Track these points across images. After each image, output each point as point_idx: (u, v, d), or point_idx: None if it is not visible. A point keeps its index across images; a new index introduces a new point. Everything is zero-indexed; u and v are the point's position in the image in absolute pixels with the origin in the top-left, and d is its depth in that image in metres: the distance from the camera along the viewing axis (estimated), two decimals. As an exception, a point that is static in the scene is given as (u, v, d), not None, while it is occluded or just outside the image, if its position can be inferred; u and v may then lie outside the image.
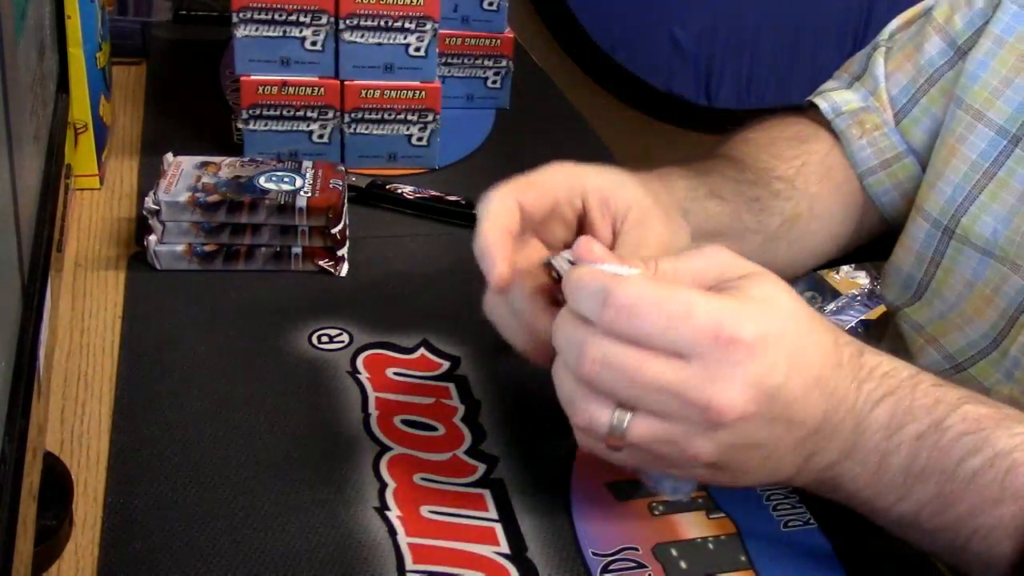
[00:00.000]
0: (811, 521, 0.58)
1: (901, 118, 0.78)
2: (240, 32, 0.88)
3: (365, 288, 0.77)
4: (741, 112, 2.21)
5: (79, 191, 0.86)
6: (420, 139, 0.95)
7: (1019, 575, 0.48)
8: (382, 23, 0.90)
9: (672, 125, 2.26)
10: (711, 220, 0.69)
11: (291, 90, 0.90)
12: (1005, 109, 0.70)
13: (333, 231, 0.76)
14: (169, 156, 0.79)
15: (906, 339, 0.77)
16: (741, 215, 0.71)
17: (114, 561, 0.52)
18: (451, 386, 0.66)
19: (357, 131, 0.93)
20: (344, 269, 0.78)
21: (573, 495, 0.58)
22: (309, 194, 0.76)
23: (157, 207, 0.74)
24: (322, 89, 0.91)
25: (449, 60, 1.05)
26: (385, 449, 0.60)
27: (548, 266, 0.54)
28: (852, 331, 1.72)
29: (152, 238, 0.75)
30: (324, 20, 0.88)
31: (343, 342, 0.70)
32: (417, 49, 0.91)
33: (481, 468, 0.60)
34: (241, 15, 0.87)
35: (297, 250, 0.77)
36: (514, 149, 1.03)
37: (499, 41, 1.06)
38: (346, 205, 0.79)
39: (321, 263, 0.78)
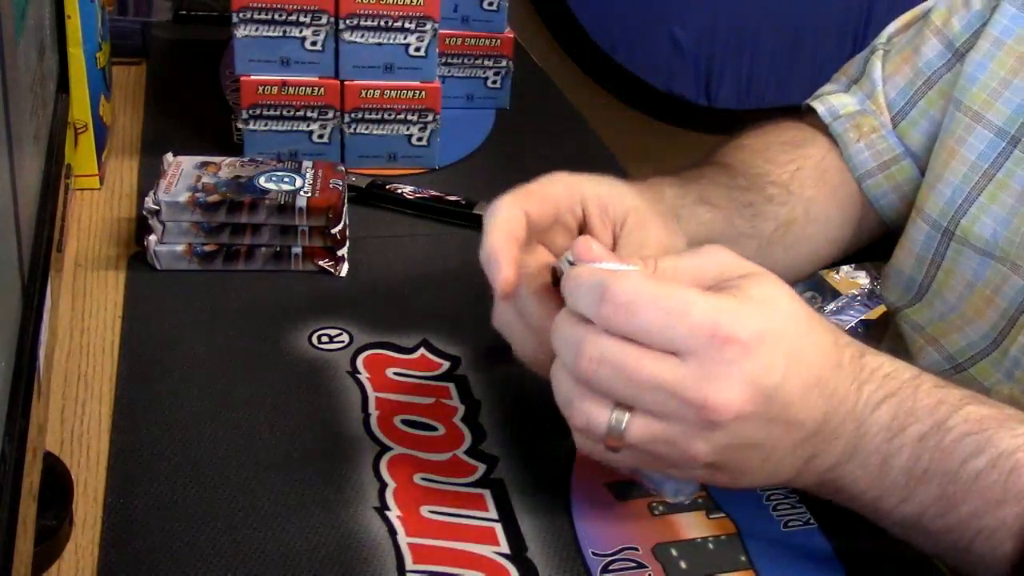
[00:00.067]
0: (811, 521, 0.58)
1: (899, 120, 0.78)
2: (240, 32, 0.88)
3: (365, 288, 0.77)
4: (741, 112, 2.22)
5: (79, 191, 0.86)
6: (420, 139, 0.95)
7: (1020, 575, 0.48)
8: (382, 23, 0.90)
9: (672, 125, 2.26)
10: (703, 227, 0.69)
11: (291, 90, 0.90)
12: (1004, 110, 0.70)
13: (333, 231, 0.76)
14: (169, 156, 0.79)
15: (906, 340, 0.77)
16: (734, 221, 0.72)
17: (114, 561, 0.52)
18: (451, 386, 0.66)
19: (357, 131, 0.93)
20: (344, 269, 0.78)
21: (573, 495, 0.58)
22: (309, 194, 0.76)
23: (157, 207, 0.74)
24: (322, 89, 0.91)
25: (449, 60, 1.05)
26: (385, 449, 0.60)
27: (552, 271, 0.54)
28: (852, 331, 1.72)
29: (152, 238, 0.75)
30: (324, 20, 0.88)
31: (343, 342, 0.70)
32: (417, 49, 0.91)
33: (481, 468, 0.60)
34: (241, 15, 0.87)
35: (297, 250, 0.77)
36: (514, 149, 1.03)
37: (499, 41, 1.06)
38: (346, 205, 0.79)
39: (321, 263, 0.78)
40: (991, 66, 0.72)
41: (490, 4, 1.04)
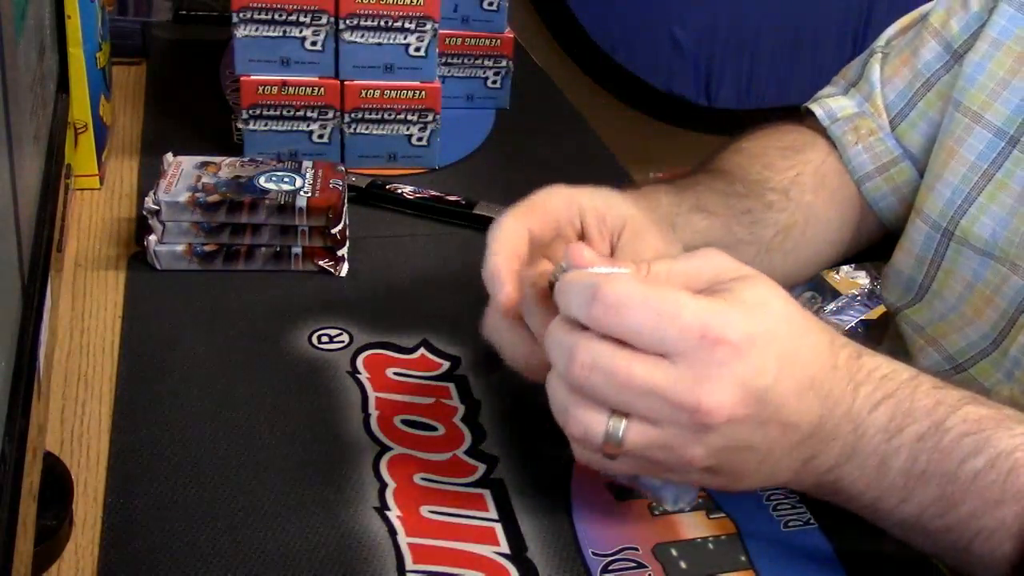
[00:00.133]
0: (811, 521, 0.58)
1: (898, 123, 0.78)
2: (240, 32, 0.88)
3: (365, 288, 0.77)
4: (741, 112, 2.22)
5: (79, 191, 0.86)
6: (420, 139, 0.95)
7: (1020, 575, 0.48)
8: (382, 23, 0.90)
9: (672, 125, 2.26)
10: (699, 234, 0.69)
11: (291, 90, 0.90)
12: (1002, 111, 0.70)
13: (333, 231, 0.76)
14: (169, 156, 0.79)
15: (906, 340, 0.78)
16: (731, 227, 0.72)
17: (114, 561, 0.52)
18: (451, 386, 0.66)
19: (357, 131, 0.93)
20: (344, 269, 0.78)
21: (573, 495, 0.58)
22: (309, 194, 0.76)
23: (157, 207, 0.74)
24: (322, 89, 0.91)
25: (449, 60, 1.05)
26: (385, 449, 0.60)
27: (550, 281, 0.54)
28: (852, 331, 1.72)
29: (152, 238, 0.75)
30: (324, 20, 0.88)
31: (343, 342, 0.70)
32: (417, 49, 0.91)
33: (481, 468, 0.60)
34: (241, 15, 0.87)
35: (297, 250, 0.77)
36: (514, 149, 1.03)
37: (499, 41, 1.06)
38: (346, 205, 0.79)
39: (321, 263, 0.78)
40: (989, 66, 0.72)
41: (490, 4, 1.04)
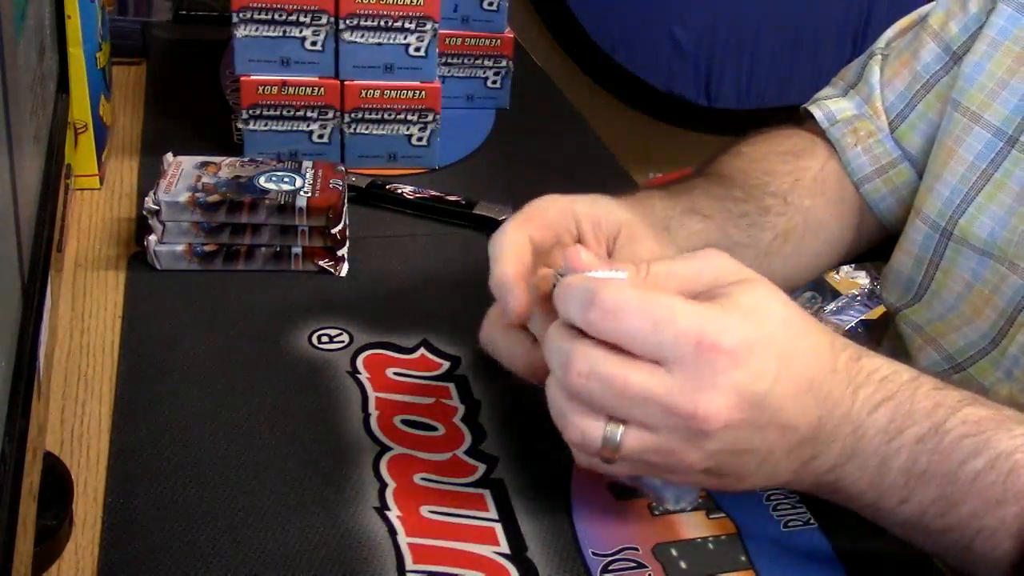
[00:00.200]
0: (811, 521, 0.58)
1: (898, 124, 0.78)
2: (240, 32, 0.88)
3: (365, 288, 0.77)
4: (741, 112, 2.22)
5: (79, 191, 0.86)
6: (420, 139, 0.95)
7: (1020, 575, 0.48)
8: (382, 23, 0.90)
9: (672, 125, 2.26)
10: (695, 236, 0.69)
11: (291, 90, 0.90)
12: (1001, 111, 0.70)
13: (333, 231, 0.76)
14: (169, 156, 0.79)
15: (906, 340, 0.78)
16: (727, 230, 0.72)
17: (114, 561, 0.52)
18: (451, 386, 0.66)
19: (357, 131, 0.93)
20: (344, 269, 0.78)
21: (573, 495, 0.58)
22: (309, 194, 0.76)
23: (157, 207, 0.74)
24: (322, 89, 0.91)
25: (449, 60, 1.05)
26: (385, 449, 0.60)
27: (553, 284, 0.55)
28: (852, 331, 1.72)
29: (152, 238, 0.75)
30: (324, 20, 0.88)
31: (343, 342, 0.70)
32: (417, 49, 0.91)
33: (481, 468, 0.60)
34: (241, 15, 0.87)
35: (297, 250, 0.77)
36: (514, 149, 1.03)
37: (499, 41, 1.06)
38: (346, 205, 0.79)
39: (321, 263, 0.78)
40: (988, 66, 0.72)
41: (490, 4, 1.04)
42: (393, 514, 0.56)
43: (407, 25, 0.90)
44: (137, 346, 0.68)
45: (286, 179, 0.78)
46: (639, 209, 0.64)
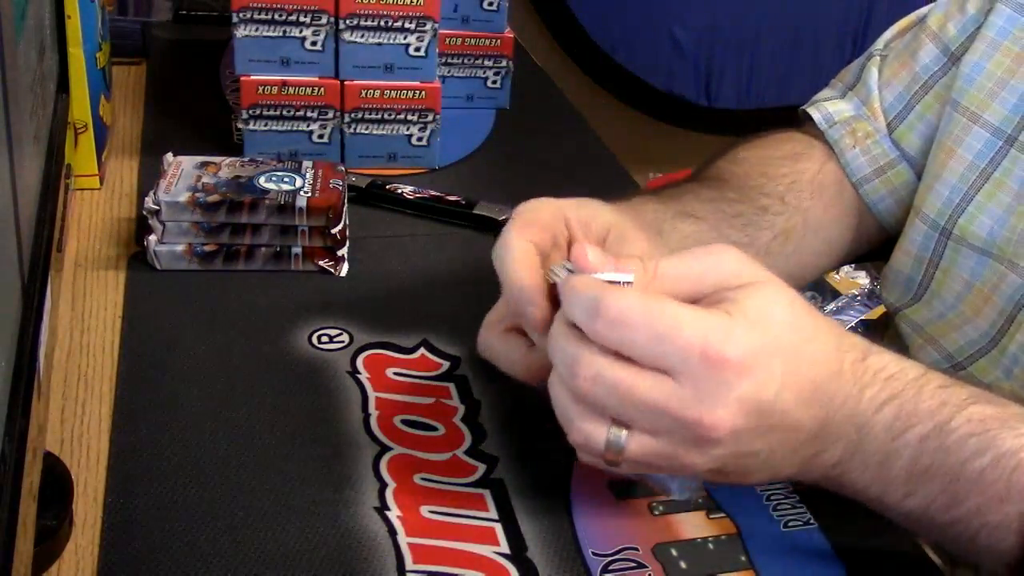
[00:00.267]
0: (811, 521, 0.58)
1: (896, 125, 0.78)
2: (240, 32, 0.88)
3: (365, 288, 0.77)
4: (741, 112, 2.22)
5: (79, 191, 0.86)
6: (420, 139, 0.95)
7: (1020, 574, 0.48)
8: (382, 23, 0.90)
9: (672, 125, 2.26)
10: (688, 238, 0.69)
11: (291, 90, 0.90)
12: (1000, 110, 0.70)
13: (333, 231, 0.76)
14: (169, 156, 0.79)
15: (905, 339, 0.78)
16: (722, 230, 0.72)
17: (114, 561, 0.52)
18: (451, 386, 0.66)
19: (357, 131, 0.93)
20: (344, 269, 0.78)
21: (573, 495, 0.58)
22: (309, 194, 0.76)
23: (157, 207, 0.74)
24: (322, 89, 0.91)
25: (449, 60, 1.05)
26: (385, 449, 0.60)
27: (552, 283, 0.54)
28: (852, 331, 1.72)
29: (152, 238, 0.75)
30: (324, 20, 0.88)
31: (343, 342, 0.70)
32: (417, 49, 0.91)
33: (481, 468, 0.60)
34: (241, 15, 0.87)
35: (297, 250, 0.77)
36: (514, 149, 1.03)
37: (499, 41, 1.06)
38: (346, 205, 0.79)
39: (321, 263, 0.78)
40: (987, 66, 0.72)
41: (490, 4, 1.04)
42: (393, 514, 0.56)
43: (407, 25, 0.90)
44: (137, 346, 0.68)
45: (286, 179, 0.78)
46: (629, 212, 0.64)
